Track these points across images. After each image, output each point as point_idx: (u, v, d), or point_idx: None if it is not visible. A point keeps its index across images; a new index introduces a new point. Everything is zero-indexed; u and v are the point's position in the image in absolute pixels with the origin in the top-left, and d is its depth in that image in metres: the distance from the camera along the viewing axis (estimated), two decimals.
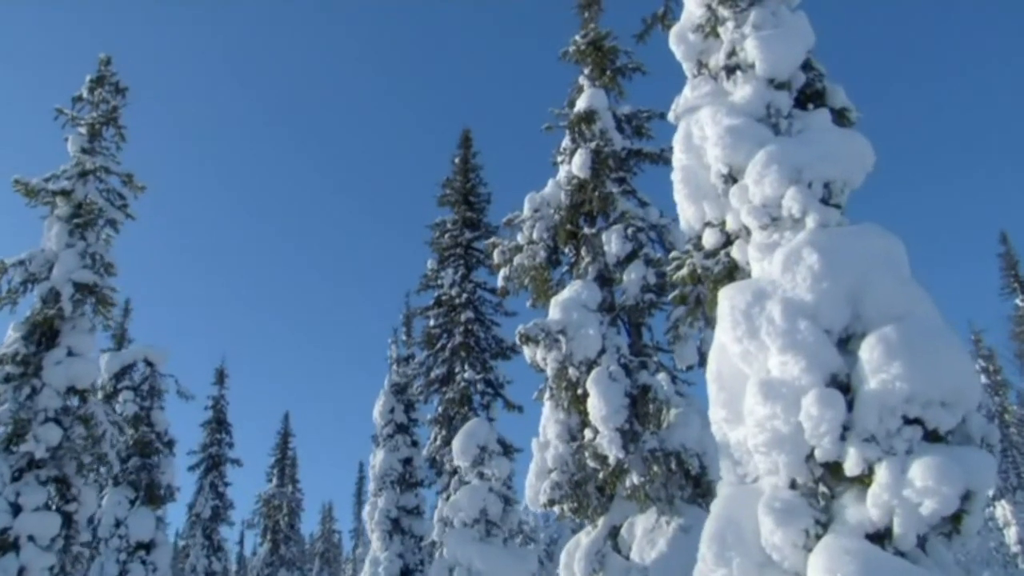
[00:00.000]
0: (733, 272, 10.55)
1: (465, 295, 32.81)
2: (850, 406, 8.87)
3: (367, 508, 32.80)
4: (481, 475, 26.59)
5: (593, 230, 20.63)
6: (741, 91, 11.02)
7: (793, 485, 9.20)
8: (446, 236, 34.55)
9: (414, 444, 36.06)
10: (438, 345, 32.98)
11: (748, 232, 10.35)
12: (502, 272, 22.37)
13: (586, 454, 18.76)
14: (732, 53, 11.40)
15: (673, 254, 10.95)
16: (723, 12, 11.71)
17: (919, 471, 8.20)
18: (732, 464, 9.90)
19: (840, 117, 11.56)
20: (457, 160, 35.26)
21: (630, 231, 19.74)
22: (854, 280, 9.24)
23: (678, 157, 11.20)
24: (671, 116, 11.83)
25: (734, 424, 9.55)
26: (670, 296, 12.63)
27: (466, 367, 31.92)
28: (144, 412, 28.08)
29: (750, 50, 11.05)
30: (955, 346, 8.94)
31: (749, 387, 9.18)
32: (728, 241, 10.74)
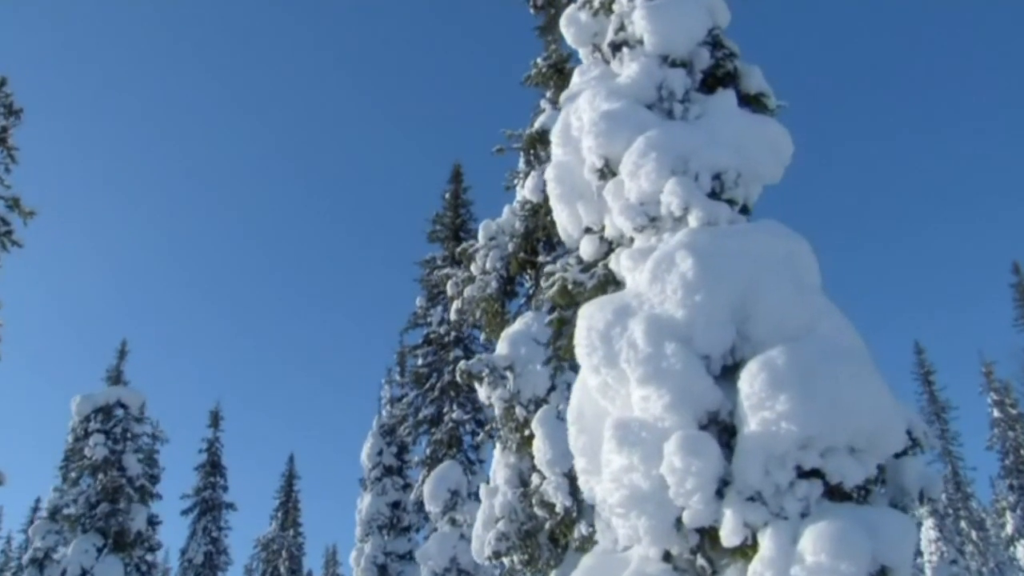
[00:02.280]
0: (608, 287, 8.26)
1: (454, 333, 30.67)
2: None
3: (353, 554, 30.48)
4: (453, 521, 24.21)
5: (549, 258, 18.36)
6: (627, 70, 8.81)
7: (667, 556, 6.82)
8: (435, 273, 32.53)
9: (407, 487, 33.75)
10: (427, 384, 30.85)
11: (631, 239, 8.07)
12: (455, 305, 20.24)
13: (533, 501, 16.40)
14: (621, 28, 9.22)
15: (548, 268, 8.69)
16: None
17: (810, 542, 5.81)
18: (604, 526, 7.56)
19: (754, 103, 9.27)
20: (447, 195, 33.38)
21: None
22: (740, 291, 6.91)
23: (555, 153, 9.00)
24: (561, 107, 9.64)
25: (596, 476, 7.20)
26: (546, 321, 10.39)
27: (455, 407, 29.68)
28: (115, 456, 26.22)
29: (638, 22, 8.88)
30: (869, 373, 6.55)
31: (605, 430, 6.85)
32: (610, 250, 8.45)
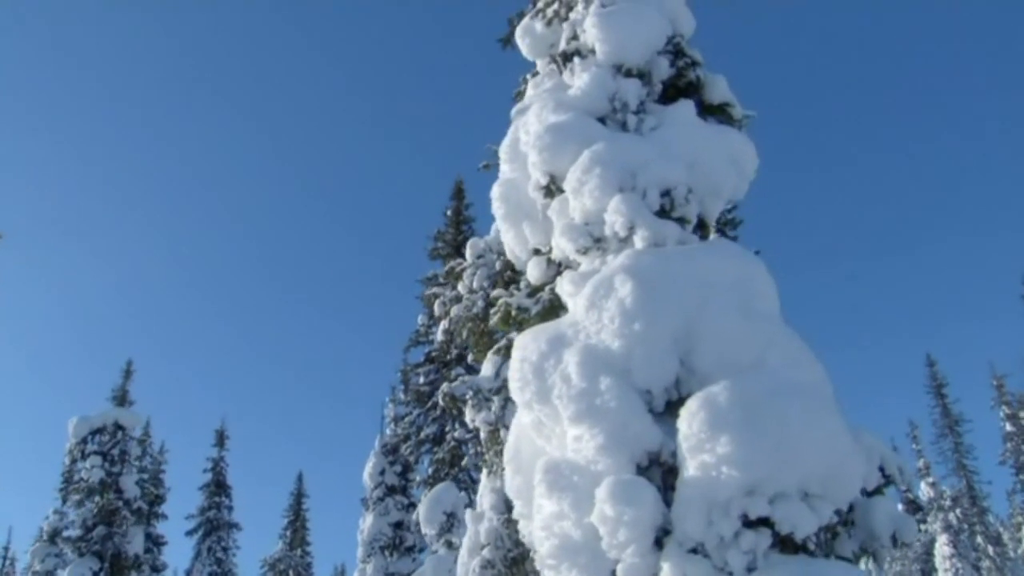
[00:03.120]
0: (552, 314, 7.56)
1: (456, 350, 29.99)
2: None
3: (355, 575, 29.76)
4: (449, 544, 23.45)
5: None
6: (578, 81, 8.15)
7: None
8: (436, 290, 31.85)
9: (410, 507, 33.02)
10: (429, 403, 30.19)
11: (577, 262, 7.38)
12: (442, 325, 19.58)
13: (518, 528, 15.63)
14: (573, 37, 8.57)
15: (495, 293, 8.01)
16: None
17: None
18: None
19: (719, 113, 8.58)
20: (449, 212, 32.80)
21: None
22: (684, 319, 6.20)
23: (502, 169, 8.33)
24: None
25: (532, 522, 6.50)
26: (492, 350, 9.68)
27: (457, 425, 28.96)
28: (112, 478, 25.71)
29: (589, 31, 8.22)
30: (824, 410, 5.81)
31: (535, 472, 6.16)
32: (559, 273, 7.76)
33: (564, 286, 6.92)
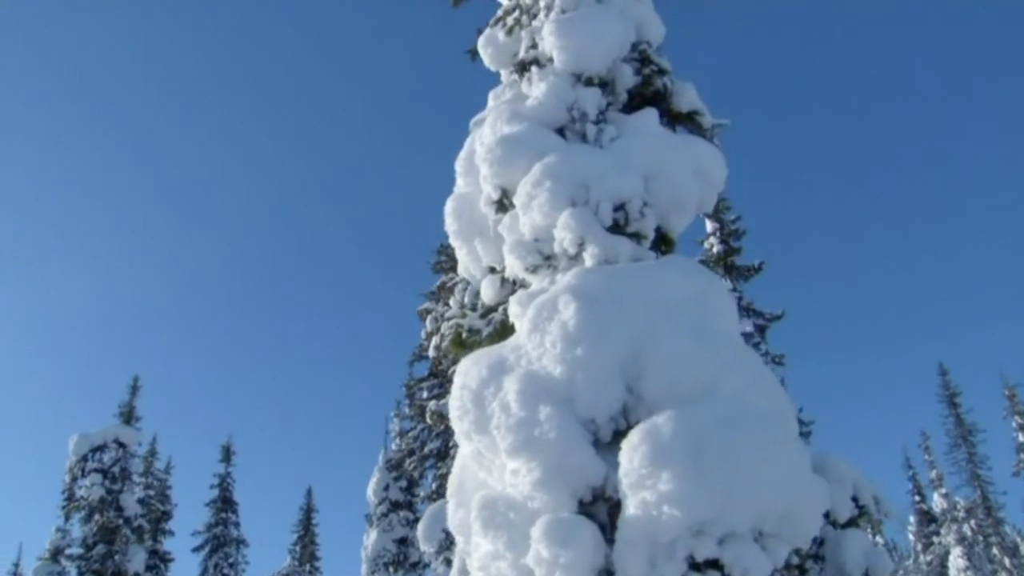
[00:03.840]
0: (503, 337, 7.06)
1: (449, 366, 29.49)
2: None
3: None
4: (448, 562, 22.90)
5: None
6: (535, 91, 7.69)
7: None
8: (428, 305, 31.39)
9: (416, 522, 32.45)
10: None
11: (528, 281, 6.90)
12: (433, 340, 19.01)
13: None
14: (533, 45, 8.11)
15: (448, 313, 7.53)
16: None
17: None
18: None
19: (687, 122, 8.11)
20: None
21: None
22: (632, 342, 5.70)
23: (458, 184, 7.86)
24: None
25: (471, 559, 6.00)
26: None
27: None
28: (112, 496, 25.36)
29: (547, 38, 7.75)
30: (780, 440, 5.29)
31: (471, 508, 5.67)
32: (513, 292, 7.27)
33: (512, 307, 6.44)
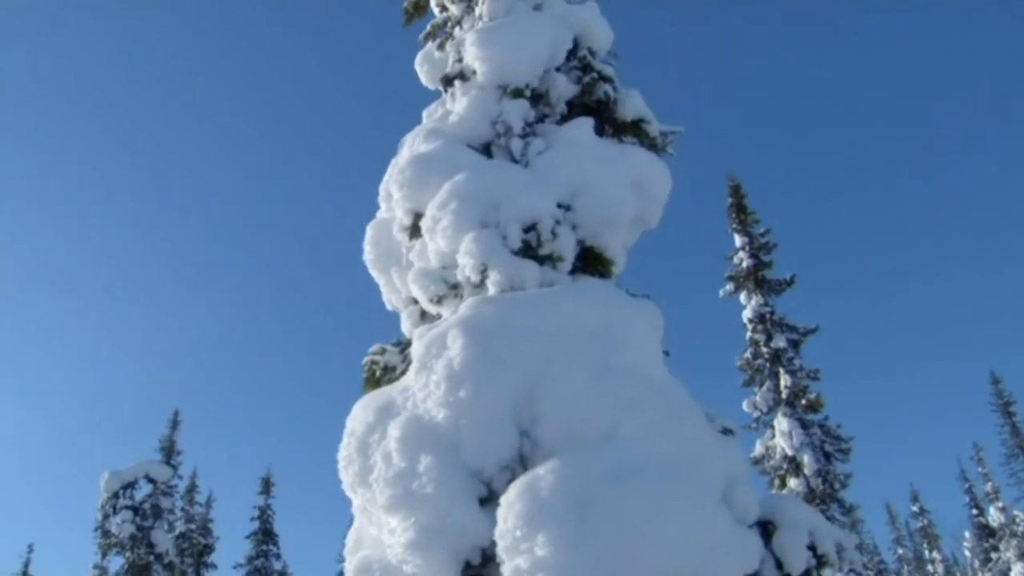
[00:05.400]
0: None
1: None
2: None
3: None
4: None
5: None
6: (458, 106, 7.01)
7: None
8: None
9: None
10: None
11: (437, 314, 6.18)
12: None
13: None
14: (458, 59, 7.43)
15: (373, 348, 6.85)
16: (453, 9, 7.80)
17: None
18: None
19: (632, 131, 7.34)
20: None
21: None
22: (525, 380, 4.94)
23: (380, 209, 7.19)
24: None
25: None
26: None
27: None
28: (143, 533, 25.15)
29: (469, 49, 7.07)
30: (688, 491, 4.46)
31: (348, 573, 4.94)
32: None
33: (414, 343, 5.72)
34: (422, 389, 5.06)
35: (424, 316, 6.59)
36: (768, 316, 23.41)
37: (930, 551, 40.90)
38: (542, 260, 5.78)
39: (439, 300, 5.91)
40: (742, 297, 23.83)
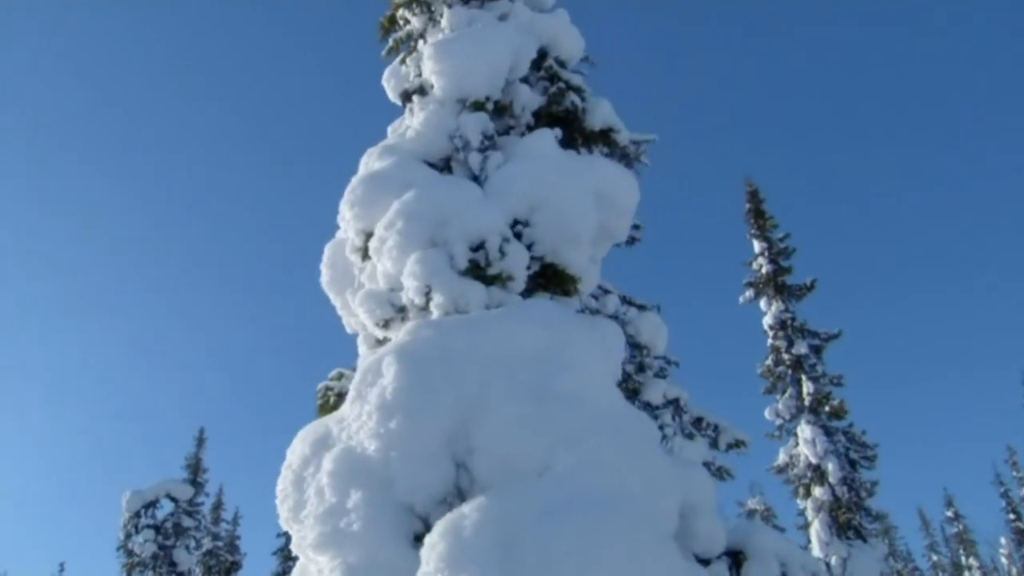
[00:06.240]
0: None
1: None
2: None
3: None
4: None
5: None
6: (415, 121, 6.78)
7: None
8: None
9: None
10: None
11: (385, 338, 5.94)
12: None
13: None
14: (418, 74, 7.22)
15: (333, 373, 6.62)
16: (415, 22, 7.58)
17: None
18: None
19: (601, 141, 7.07)
20: None
21: None
22: (460, 409, 4.67)
23: (340, 230, 6.97)
24: None
25: None
26: None
27: None
28: (164, 552, 25.18)
29: (426, 63, 6.85)
30: (626, 528, 4.15)
31: None
32: None
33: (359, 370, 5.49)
34: (356, 420, 4.82)
35: (381, 341, 6.37)
36: (789, 322, 22.89)
37: (967, 557, 39.72)
38: (491, 280, 5.51)
39: (386, 324, 5.67)
40: (762, 303, 23.36)
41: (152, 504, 25.90)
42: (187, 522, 26.16)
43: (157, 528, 25.59)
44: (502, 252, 5.54)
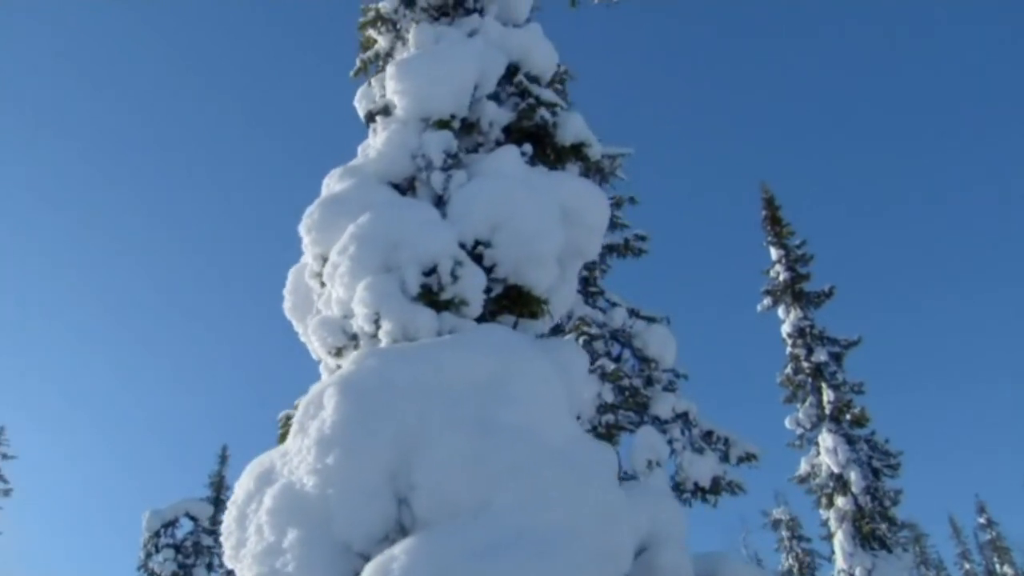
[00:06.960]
0: None
1: None
2: None
3: None
4: None
5: None
6: (378, 142, 6.65)
7: None
8: None
9: None
10: None
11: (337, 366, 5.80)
12: None
13: None
14: (383, 94, 7.10)
15: (298, 400, 6.47)
16: (382, 41, 7.46)
17: None
18: None
19: (572, 155, 6.89)
20: None
21: (582, 340, 15.07)
22: (400, 443, 4.49)
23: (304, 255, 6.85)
24: None
25: None
26: None
27: None
28: (185, 571, 25.27)
29: (389, 82, 6.72)
30: (572, 568, 3.95)
31: None
32: None
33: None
34: (297, 454, 4.66)
35: (333, 369, 6.22)
36: (808, 330, 22.50)
37: (1000, 565, 38.75)
38: (443, 305, 5.34)
39: (338, 352, 5.52)
40: (780, 311, 23.02)
41: (171, 523, 26.02)
42: (207, 541, 26.22)
43: (177, 547, 25.70)
44: (454, 276, 5.37)
